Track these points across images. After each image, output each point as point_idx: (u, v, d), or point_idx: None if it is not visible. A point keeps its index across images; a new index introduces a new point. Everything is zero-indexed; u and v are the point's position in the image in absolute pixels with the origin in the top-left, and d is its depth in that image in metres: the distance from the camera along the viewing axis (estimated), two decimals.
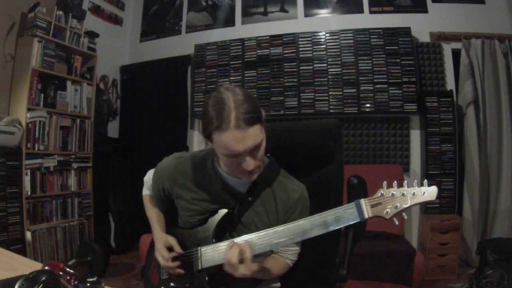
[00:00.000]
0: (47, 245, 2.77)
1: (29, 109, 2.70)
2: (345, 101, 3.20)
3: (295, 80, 3.33)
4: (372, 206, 0.80)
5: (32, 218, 2.71)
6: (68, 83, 3.05)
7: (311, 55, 3.31)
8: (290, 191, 0.99)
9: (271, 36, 3.44)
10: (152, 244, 1.13)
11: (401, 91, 3.10)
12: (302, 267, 1.01)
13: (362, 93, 3.17)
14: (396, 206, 0.78)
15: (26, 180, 2.67)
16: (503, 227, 2.91)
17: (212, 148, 0.90)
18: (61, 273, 0.76)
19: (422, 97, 3.03)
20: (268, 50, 3.43)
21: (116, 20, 4.01)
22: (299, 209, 0.98)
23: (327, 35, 3.29)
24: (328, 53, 3.27)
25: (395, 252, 2.35)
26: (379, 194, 0.80)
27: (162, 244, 1.01)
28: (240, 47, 3.51)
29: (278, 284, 1.05)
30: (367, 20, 3.31)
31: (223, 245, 0.94)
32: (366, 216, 0.80)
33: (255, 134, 0.83)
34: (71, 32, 3.07)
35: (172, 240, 1.01)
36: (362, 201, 0.81)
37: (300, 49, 3.34)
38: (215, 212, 0.99)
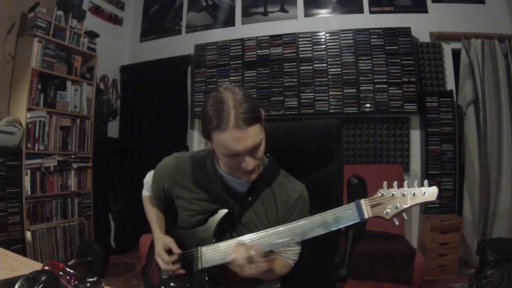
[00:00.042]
0: (47, 245, 2.77)
1: (29, 109, 2.70)
2: (345, 101, 3.20)
3: (295, 80, 3.33)
4: (372, 206, 0.80)
5: (32, 218, 2.71)
6: (68, 83, 3.05)
7: (311, 55, 3.31)
8: (290, 191, 0.99)
9: (271, 36, 3.44)
10: (152, 244, 1.13)
11: (401, 91, 3.10)
12: (302, 267, 1.01)
13: (362, 93, 3.17)
14: (396, 207, 0.78)
15: (26, 180, 2.67)
16: (503, 227, 2.91)
17: (212, 148, 0.90)
18: (61, 273, 0.76)
19: (422, 97, 3.03)
20: (268, 50, 3.43)
21: (116, 20, 4.01)
22: (299, 209, 0.98)
23: (327, 35, 3.29)
24: (328, 53, 3.27)
25: (395, 252, 2.35)
26: (379, 194, 0.80)
27: (161, 247, 1.01)
28: (240, 47, 3.51)
29: (278, 285, 1.05)
30: (367, 20, 3.31)
31: (223, 245, 0.94)
32: (366, 216, 0.80)
33: (255, 134, 0.83)
34: (71, 32, 3.07)
35: (170, 242, 1.01)
36: (362, 201, 0.81)
37: (300, 49, 3.34)
38: (215, 212, 0.99)
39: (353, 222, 0.81)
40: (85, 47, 3.21)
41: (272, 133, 1.03)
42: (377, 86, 3.15)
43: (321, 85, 3.26)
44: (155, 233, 1.08)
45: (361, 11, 3.34)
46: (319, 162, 1.12)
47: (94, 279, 0.74)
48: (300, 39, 3.35)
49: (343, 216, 0.82)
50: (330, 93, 3.23)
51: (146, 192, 1.17)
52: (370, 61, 3.17)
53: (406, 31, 3.14)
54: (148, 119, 3.82)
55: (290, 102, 3.33)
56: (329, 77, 3.25)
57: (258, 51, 3.46)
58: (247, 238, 0.90)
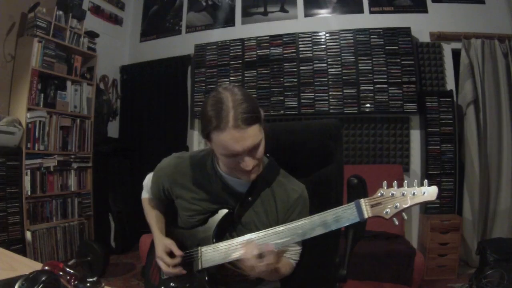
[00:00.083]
0: (47, 245, 2.77)
1: (29, 109, 2.70)
2: (345, 101, 3.20)
3: (295, 80, 3.33)
4: (372, 206, 0.80)
5: (32, 218, 2.71)
6: (68, 83, 3.05)
7: (311, 55, 3.31)
8: (290, 191, 0.99)
9: (271, 36, 3.44)
10: (152, 245, 1.13)
11: (401, 91, 3.10)
12: (302, 267, 1.01)
13: (362, 93, 3.17)
14: (396, 206, 0.78)
15: (26, 180, 2.67)
16: (503, 227, 2.91)
17: (211, 148, 0.90)
18: (61, 273, 0.76)
19: (422, 97, 3.03)
20: (268, 50, 3.43)
21: (116, 20, 4.01)
22: (299, 209, 0.98)
23: (327, 35, 3.29)
24: (328, 53, 3.27)
25: (395, 252, 2.35)
26: (379, 194, 0.80)
27: (162, 249, 1.00)
28: (240, 47, 3.51)
29: (278, 284, 1.05)
30: (367, 20, 3.31)
31: (223, 245, 0.94)
32: (366, 216, 0.80)
33: (254, 134, 0.83)
34: (71, 32, 3.07)
35: (171, 244, 1.00)
36: (362, 201, 0.81)
37: (300, 49, 3.34)
38: (215, 212, 0.99)
39: (352, 222, 0.81)
40: (85, 47, 3.21)
41: (272, 133, 1.03)
42: (377, 86, 3.15)
43: (321, 85, 3.26)
44: (155, 235, 1.08)
45: (361, 11, 3.34)
46: (319, 162, 1.12)
47: (94, 279, 0.74)
48: (300, 39, 3.35)
49: (343, 215, 0.82)
50: (330, 93, 3.23)
51: (145, 194, 1.17)
52: (370, 61, 3.17)
53: (406, 31, 3.14)
54: (148, 119, 3.81)
55: (290, 102, 3.33)
56: (329, 77, 3.25)
57: (258, 51, 3.46)
58: (247, 238, 0.90)
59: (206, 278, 0.96)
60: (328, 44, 3.28)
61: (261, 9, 3.61)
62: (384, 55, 3.15)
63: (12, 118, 2.62)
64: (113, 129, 3.95)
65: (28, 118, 2.69)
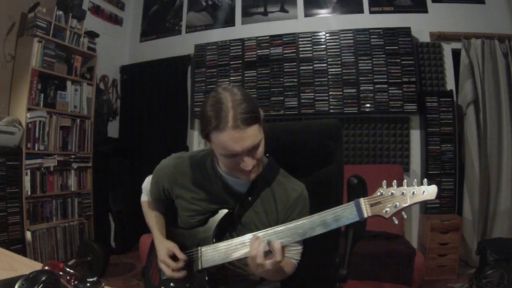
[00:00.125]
0: (47, 245, 2.77)
1: (29, 109, 2.70)
2: (345, 101, 3.20)
3: (295, 80, 3.33)
4: (372, 205, 0.80)
5: (32, 218, 2.71)
6: (68, 83, 3.05)
7: (311, 55, 3.31)
8: (290, 190, 0.99)
9: (271, 36, 3.44)
10: (152, 245, 1.13)
11: (401, 91, 3.10)
12: (302, 267, 1.01)
13: (362, 93, 3.17)
14: (396, 205, 0.78)
15: (26, 180, 2.67)
16: (503, 227, 2.91)
17: (211, 148, 0.90)
18: (61, 273, 0.76)
19: (422, 97, 3.03)
20: (268, 50, 3.43)
21: (116, 20, 4.01)
22: (299, 208, 0.98)
23: (327, 35, 3.29)
24: (328, 53, 3.27)
25: (395, 252, 2.35)
26: (379, 193, 0.80)
27: (165, 253, 1.00)
28: (240, 47, 3.51)
29: (278, 284, 1.05)
30: (367, 20, 3.31)
31: (223, 245, 0.94)
32: (366, 215, 0.80)
33: (253, 134, 0.83)
34: (71, 32, 3.07)
35: (173, 247, 1.00)
36: (362, 200, 0.81)
37: (300, 49, 3.34)
38: (215, 212, 0.99)
39: (352, 221, 0.81)
40: (85, 47, 3.21)
41: (272, 133, 1.03)
42: (377, 86, 3.15)
43: (321, 85, 3.26)
44: (156, 238, 1.07)
45: (361, 11, 3.34)
46: (319, 162, 1.12)
47: (94, 279, 0.74)
48: (300, 39, 3.35)
49: (342, 215, 0.82)
50: (330, 93, 3.23)
51: (144, 197, 1.17)
52: (370, 61, 3.17)
53: (406, 31, 3.14)
54: (148, 119, 3.82)
55: (290, 102, 3.33)
56: (329, 77, 3.25)
57: (258, 51, 3.46)
58: (247, 238, 0.90)
59: (206, 278, 0.96)
60: (328, 44, 3.28)
61: (261, 9, 3.62)
62: (384, 55, 3.15)
63: (12, 118, 2.62)
64: (113, 129, 3.95)
65: (28, 118, 2.69)
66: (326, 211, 0.84)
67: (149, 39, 4.05)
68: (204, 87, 3.60)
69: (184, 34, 3.86)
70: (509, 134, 2.95)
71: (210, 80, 3.58)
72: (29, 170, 2.69)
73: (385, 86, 3.13)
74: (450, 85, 3.13)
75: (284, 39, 3.39)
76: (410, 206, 0.78)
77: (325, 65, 3.26)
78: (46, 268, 0.78)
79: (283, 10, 3.55)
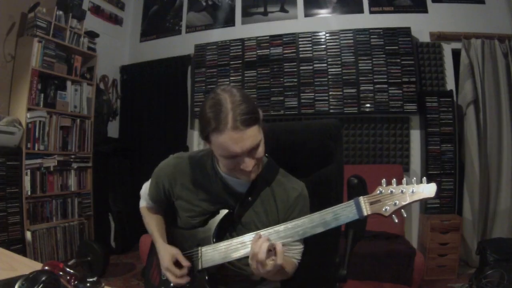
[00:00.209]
0: (47, 245, 2.77)
1: (29, 109, 2.70)
2: (345, 101, 3.20)
3: (295, 80, 3.33)
4: (371, 203, 0.80)
5: (32, 218, 2.71)
6: (68, 83, 3.05)
7: (311, 55, 3.31)
8: (290, 190, 0.99)
9: (271, 36, 3.44)
10: (153, 245, 1.13)
11: (401, 91, 3.10)
12: (302, 267, 1.01)
13: (362, 93, 3.17)
14: (395, 204, 0.78)
15: (26, 180, 2.67)
16: (503, 227, 2.91)
17: (211, 149, 0.90)
18: (61, 273, 0.76)
19: (422, 97, 3.03)
20: (268, 50, 3.43)
21: (116, 20, 4.01)
22: (299, 207, 0.98)
23: (327, 35, 3.29)
24: (328, 53, 3.27)
25: (395, 252, 2.35)
26: (378, 192, 0.80)
27: (170, 260, 0.99)
28: (240, 47, 3.51)
29: (278, 284, 1.05)
30: (367, 20, 3.31)
31: (223, 245, 0.94)
32: (365, 213, 0.80)
33: (253, 135, 0.83)
34: (71, 32, 3.07)
35: (177, 254, 0.99)
36: (361, 199, 0.81)
37: (300, 49, 3.34)
38: (215, 213, 0.99)
39: (352, 220, 0.81)
40: (85, 47, 3.21)
41: (272, 133, 1.03)
42: (377, 86, 3.15)
43: (321, 85, 3.26)
44: (158, 243, 1.05)
45: (361, 11, 3.34)
46: (319, 162, 1.12)
47: (94, 279, 0.74)
48: (300, 39, 3.35)
49: (342, 213, 0.82)
50: (330, 93, 3.23)
51: (143, 203, 1.16)
52: (370, 61, 3.17)
53: (406, 31, 3.14)
54: (148, 119, 3.82)
55: (290, 102, 3.33)
56: (329, 77, 3.25)
57: (258, 51, 3.46)
58: (247, 238, 0.90)
59: (206, 278, 0.96)
60: (328, 44, 3.28)
61: (261, 9, 3.62)
62: (384, 55, 3.15)
63: (12, 118, 2.62)
64: (113, 129, 3.95)
65: (28, 118, 2.69)
66: (326, 209, 0.84)
67: (149, 39, 4.05)
68: (204, 87, 3.60)
69: (184, 34, 3.86)
70: (509, 134, 2.95)
71: (210, 80, 3.58)
72: (29, 170, 2.69)
73: (385, 86, 3.13)
74: (450, 85, 3.13)
75: (284, 39, 3.39)
76: (409, 204, 0.78)
77: (325, 65, 3.26)
78: (46, 268, 0.78)
79: (283, 10, 3.55)
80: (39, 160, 2.77)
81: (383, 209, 0.79)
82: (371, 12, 3.33)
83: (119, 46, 4.06)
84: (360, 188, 0.90)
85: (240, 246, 0.91)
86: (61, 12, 2.98)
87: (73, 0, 3.28)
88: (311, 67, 3.29)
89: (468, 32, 3.04)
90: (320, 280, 1.09)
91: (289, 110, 3.32)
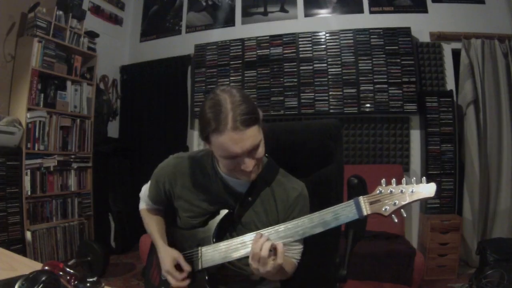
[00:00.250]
0: (47, 245, 2.77)
1: (29, 109, 2.70)
2: (345, 101, 3.20)
3: (295, 80, 3.33)
4: (371, 203, 0.80)
5: (32, 218, 2.71)
6: (68, 83, 3.05)
7: (311, 55, 3.31)
8: (290, 189, 0.99)
9: (271, 36, 3.44)
10: (153, 245, 1.13)
11: (401, 91, 3.10)
12: (303, 266, 1.01)
13: (362, 93, 3.17)
14: (395, 203, 0.78)
15: (26, 180, 2.67)
16: (503, 227, 2.91)
17: (211, 150, 0.90)
18: (61, 273, 0.76)
19: (422, 97, 3.03)
20: (268, 50, 3.43)
21: (116, 20, 4.01)
22: (299, 207, 0.98)
23: (327, 35, 3.29)
24: (328, 53, 3.27)
25: (395, 252, 2.35)
26: (378, 192, 0.81)
27: (171, 263, 0.98)
28: (240, 47, 3.51)
29: (278, 284, 1.05)
30: (367, 20, 3.31)
31: (223, 245, 0.94)
32: (365, 213, 0.80)
33: (253, 135, 0.83)
34: (71, 32, 3.07)
35: (178, 257, 0.99)
36: (361, 199, 0.81)
37: (300, 49, 3.34)
38: (216, 213, 0.99)
39: (352, 219, 0.81)
40: (85, 47, 3.21)
41: (272, 133, 1.03)
42: (377, 86, 3.15)
43: (321, 85, 3.26)
44: (159, 245, 1.05)
45: (361, 11, 3.34)
46: (319, 162, 1.12)
47: (94, 279, 0.74)
48: (300, 39, 3.35)
49: (342, 213, 0.82)
50: (330, 93, 3.23)
51: (143, 205, 1.16)
52: (370, 61, 3.17)
53: (406, 31, 3.14)
54: (148, 119, 3.82)
55: (290, 102, 3.33)
56: (329, 77, 3.25)
57: (258, 51, 3.46)
58: (247, 238, 0.90)
59: (206, 278, 0.96)
60: (328, 44, 3.28)
61: (261, 9, 3.62)
62: (384, 55, 3.15)
63: (12, 118, 2.62)
64: (113, 129, 3.95)
65: (28, 118, 2.69)
66: (326, 209, 0.84)
67: (149, 39, 4.05)
68: (204, 87, 3.60)
69: (184, 34, 3.86)
70: (509, 134, 2.95)
71: (210, 80, 3.58)
72: (29, 170, 2.69)
73: (385, 86, 3.13)
74: (450, 85, 3.13)
75: (284, 39, 3.39)
76: (409, 204, 0.78)
77: (325, 65, 3.26)
78: (46, 268, 0.78)
79: (283, 10, 3.55)
80: (39, 160, 2.77)
81: (383, 209, 0.79)
82: (371, 12, 3.33)
83: (119, 46, 4.06)
84: (360, 188, 0.90)
85: (240, 246, 0.91)
86: (61, 12, 2.98)
87: (73, 0, 3.28)
88: (311, 67, 3.30)
89: (468, 32, 3.04)
90: (320, 280, 1.09)
91: (289, 110, 3.32)
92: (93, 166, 3.24)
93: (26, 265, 0.94)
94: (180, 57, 3.74)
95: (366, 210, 0.80)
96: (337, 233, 1.05)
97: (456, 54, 3.11)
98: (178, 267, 0.99)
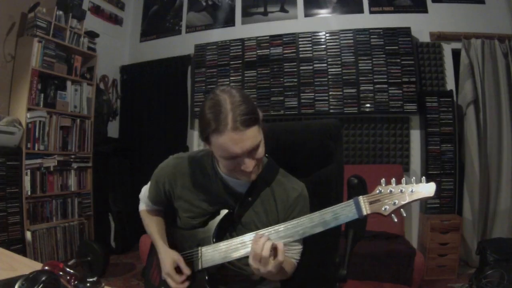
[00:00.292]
0: (47, 245, 2.77)
1: (29, 109, 2.70)
2: (345, 101, 3.20)
3: (295, 80, 3.33)
4: (371, 203, 0.80)
5: (32, 218, 2.71)
6: (68, 83, 3.05)
7: (311, 55, 3.31)
8: (290, 190, 0.99)
9: (271, 36, 3.44)
10: (153, 245, 1.13)
11: (401, 91, 3.10)
12: (302, 266, 1.01)
13: (362, 93, 3.17)
14: (395, 203, 0.78)
15: (26, 180, 2.67)
16: (503, 227, 2.91)
17: (211, 150, 0.90)
18: (61, 273, 0.76)
19: (422, 97, 3.03)
20: (268, 50, 3.43)
21: (116, 20, 4.01)
22: (299, 207, 0.98)
23: (327, 35, 3.29)
24: (328, 53, 3.27)
25: (395, 252, 2.35)
26: (377, 191, 0.81)
27: (171, 265, 0.98)
28: (240, 47, 3.51)
29: (278, 284, 1.05)
30: (367, 20, 3.31)
31: (223, 245, 0.94)
32: (365, 212, 0.80)
33: (253, 136, 0.83)
34: (71, 32, 3.07)
35: (179, 260, 0.99)
36: (361, 198, 0.81)
37: (300, 49, 3.34)
38: (216, 213, 0.99)
39: (351, 219, 0.81)
40: (85, 47, 3.21)
41: (272, 133, 1.03)
42: (377, 86, 3.15)
43: (321, 85, 3.26)
44: (159, 247, 1.05)
45: (361, 11, 3.34)
46: (319, 162, 1.12)
47: (94, 279, 0.74)
48: (300, 39, 3.35)
49: (342, 213, 0.82)
50: (330, 93, 3.23)
51: (143, 206, 1.16)
52: (370, 61, 3.17)
53: (406, 31, 3.14)
54: (148, 119, 3.82)
55: (290, 102, 3.33)
56: (329, 77, 3.25)
57: (258, 51, 3.46)
58: (247, 238, 0.90)
59: (206, 278, 0.96)
60: (328, 44, 3.28)
61: (261, 9, 3.62)
62: (384, 55, 3.15)
63: (12, 118, 2.62)
64: (113, 129, 3.95)
65: (28, 118, 2.69)
66: (326, 209, 0.84)
67: (149, 39, 4.05)
68: (204, 87, 3.60)
69: (184, 34, 3.86)
70: (509, 134, 2.95)
71: (210, 80, 3.58)
72: (29, 170, 2.69)
73: (385, 86, 3.13)
74: (450, 85, 3.13)
75: (284, 39, 3.39)
76: (409, 203, 0.78)
77: (325, 65, 3.26)
78: (46, 268, 0.78)
79: (283, 10, 3.55)
80: (39, 160, 2.77)
81: (383, 209, 0.79)
82: (371, 12, 3.33)
83: (119, 46, 4.06)
84: (360, 188, 0.90)
85: (240, 246, 0.91)
86: (61, 12, 2.98)
87: (73, 0, 3.28)
88: (311, 67, 3.30)
89: (468, 32, 3.04)
90: (320, 280, 1.09)
91: (289, 110, 3.32)
92: (93, 166, 3.24)
93: (26, 265, 0.94)
94: (180, 57, 3.74)
95: (365, 209, 0.80)
96: (337, 233, 1.05)
97: (456, 54, 3.11)
98: (178, 269, 0.99)
